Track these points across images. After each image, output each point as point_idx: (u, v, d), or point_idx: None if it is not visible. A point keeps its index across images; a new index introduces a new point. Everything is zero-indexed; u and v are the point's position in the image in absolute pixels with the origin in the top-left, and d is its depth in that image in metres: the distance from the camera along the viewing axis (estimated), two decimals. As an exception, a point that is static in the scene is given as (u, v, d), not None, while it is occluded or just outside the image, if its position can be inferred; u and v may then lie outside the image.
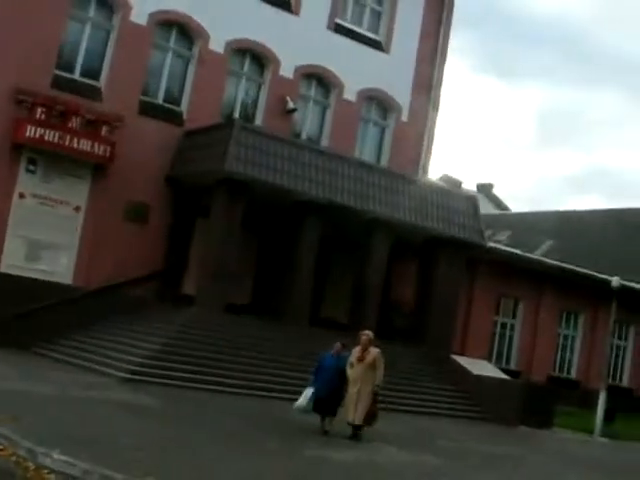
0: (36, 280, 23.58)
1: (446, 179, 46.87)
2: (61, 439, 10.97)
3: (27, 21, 23.66)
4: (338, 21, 29.93)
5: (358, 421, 16.07)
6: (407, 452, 15.98)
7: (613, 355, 35.56)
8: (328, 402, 15.90)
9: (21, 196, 23.75)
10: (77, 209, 24.61)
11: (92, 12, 25.53)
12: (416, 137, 31.44)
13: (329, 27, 29.62)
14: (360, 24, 30.76)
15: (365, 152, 30.65)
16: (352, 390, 16.09)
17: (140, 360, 20.12)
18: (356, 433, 16.10)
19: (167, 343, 21.22)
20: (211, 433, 14.28)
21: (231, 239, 23.84)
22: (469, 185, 56.87)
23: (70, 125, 23.88)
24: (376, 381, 16.29)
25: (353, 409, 16.06)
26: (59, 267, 24.41)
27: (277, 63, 28.32)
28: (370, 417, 16.23)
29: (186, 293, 25.19)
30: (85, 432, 12.11)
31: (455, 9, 32.52)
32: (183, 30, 26.94)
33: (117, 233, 24.80)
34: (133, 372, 19.48)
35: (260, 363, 21.95)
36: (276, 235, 26.76)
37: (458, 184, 32.66)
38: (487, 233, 31.41)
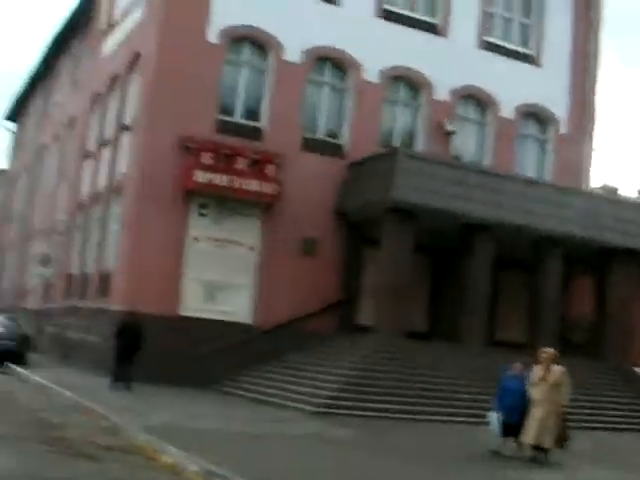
0: (215, 321, 24.17)
1: (604, 187, 45.77)
2: (273, 476, 11.14)
3: (187, 70, 24.47)
4: (487, 39, 29.75)
5: (548, 444, 15.33)
6: (606, 470, 15.46)
7: None
8: (517, 426, 15.51)
9: (195, 240, 24.47)
10: (250, 248, 25.16)
11: (247, 55, 26.21)
12: (576, 148, 30.80)
13: (479, 45, 29.46)
14: (509, 39, 30.48)
15: (526, 168, 30.18)
16: (537, 411, 15.38)
17: (326, 393, 20.27)
18: (540, 455, 15.48)
19: (351, 374, 21.30)
20: (418, 462, 14.12)
21: (403, 266, 23.83)
22: (627, 192, 55.24)
23: (236, 167, 24.55)
24: (562, 400, 15.68)
25: (539, 431, 15.37)
26: (237, 307, 24.95)
27: (431, 87, 28.30)
28: (561, 439, 15.66)
29: (362, 323, 25.31)
30: (295, 467, 12.23)
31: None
32: (336, 63, 27.27)
33: (290, 269, 25.17)
34: (320, 405, 19.63)
35: (441, 388, 21.81)
36: (447, 258, 26.66)
37: (614, 191, 31.81)
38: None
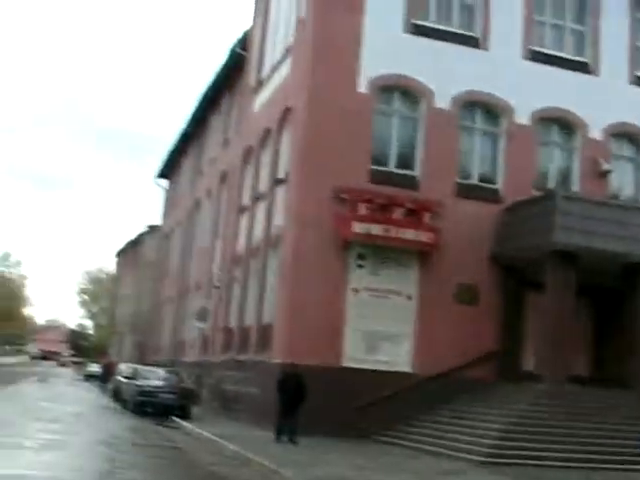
0: (375, 371, 24.08)
1: None
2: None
3: (338, 121, 24.72)
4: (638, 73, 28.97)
5: None
6: None
7: None
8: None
9: (354, 291, 24.54)
10: (408, 297, 25.05)
11: (397, 104, 26.26)
12: None
13: (631, 81, 28.70)
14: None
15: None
16: None
17: (493, 442, 19.79)
18: None
19: (517, 422, 20.78)
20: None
21: (566, 310, 23.24)
22: None
23: (392, 216, 24.58)
24: None
25: None
26: (397, 356, 24.79)
27: (585, 126, 27.74)
28: None
29: (525, 369, 24.80)
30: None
31: None
32: (487, 108, 27.07)
33: (449, 316, 24.91)
34: (488, 454, 19.17)
35: (612, 434, 21.06)
36: (608, 299, 25.93)
37: None
38: None
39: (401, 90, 26.23)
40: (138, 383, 30.74)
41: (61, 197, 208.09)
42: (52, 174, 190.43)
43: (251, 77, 33.31)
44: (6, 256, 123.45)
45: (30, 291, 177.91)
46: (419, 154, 25.90)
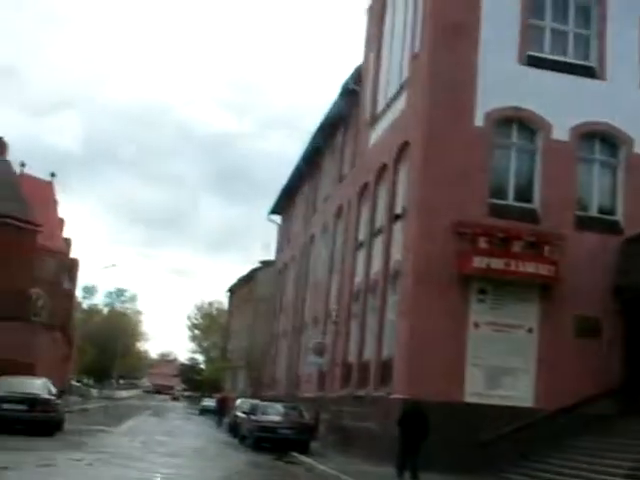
0: (496, 406, 23.79)
1: None
2: None
3: (455, 155, 24.74)
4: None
5: None
6: None
7: None
8: None
9: (475, 325, 24.39)
10: (529, 331, 24.76)
11: (514, 137, 26.11)
12: None
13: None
14: None
15: None
16: None
17: (623, 480, 19.37)
18: None
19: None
20: None
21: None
22: None
23: (512, 250, 24.38)
24: None
25: None
26: (518, 391, 24.45)
27: None
28: None
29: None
30: None
31: None
32: (605, 139, 26.68)
33: (571, 350, 24.47)
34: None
35: None
36: None
37: None
38: None
39: (518, 122, 26.07)
40: (257, 418, 31.01)
41: (175, 234, 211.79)
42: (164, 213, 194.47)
43: (365, 112, 33.55)
44: (121, 292, 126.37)
45: (145, 326, 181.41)
46: (537, 186, 25.68)
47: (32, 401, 26.44)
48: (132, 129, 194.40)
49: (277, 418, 30.57)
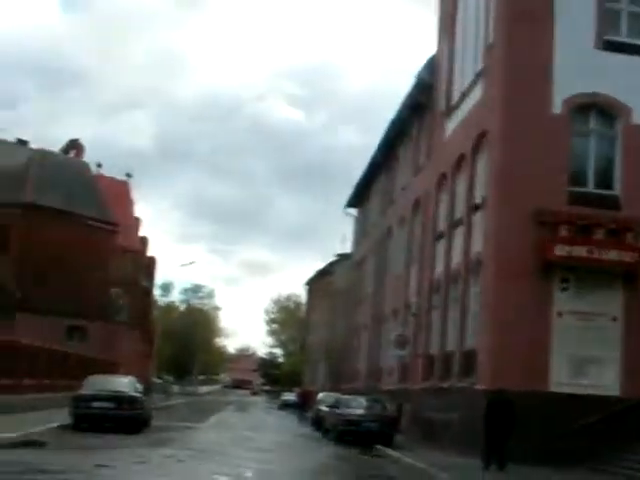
0: (581, 395, 23.52)
1: None
2: None
3: (534, 144, 24.57)
4: None
5: None
6: None
7: None
8: None
9: (559, 314, 24.19)
10: (613, 319, 24.47)
11: (593, 123, 25.77)
12: None
13: None
14: None
15: None
16: None
17: None
18: None
19: None
20: None
21: None
22: None
23: (594, 238, 24.14)
24: None
25: None
26: (603, 379, 24.19)
27: None
28: None
29: None
30: None
31: None
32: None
33: (657, 338, 24.17)
34: None
35: None
36: None
37: None
38: None
39: (596, 108, 25.72)
40: (341, 412, 31.13)
41: (250, 230, 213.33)
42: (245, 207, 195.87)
43: (440, 103, 33.45)
44: (198, 288, 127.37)
45: (223, 322, 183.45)
46: (618, 172, 25.30)
47: (120, 399, 26.94)
48: (204, 126, 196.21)
49: (361, 411, 30.62)
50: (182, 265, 63.17)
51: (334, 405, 33.20)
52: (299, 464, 21.97)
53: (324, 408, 35.90)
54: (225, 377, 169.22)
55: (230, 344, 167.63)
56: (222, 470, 17.63)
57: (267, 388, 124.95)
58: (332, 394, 39.57)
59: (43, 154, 62.39)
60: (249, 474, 17.50)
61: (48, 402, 33.57)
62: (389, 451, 26.23)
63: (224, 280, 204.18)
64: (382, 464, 23.27)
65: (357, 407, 31.20)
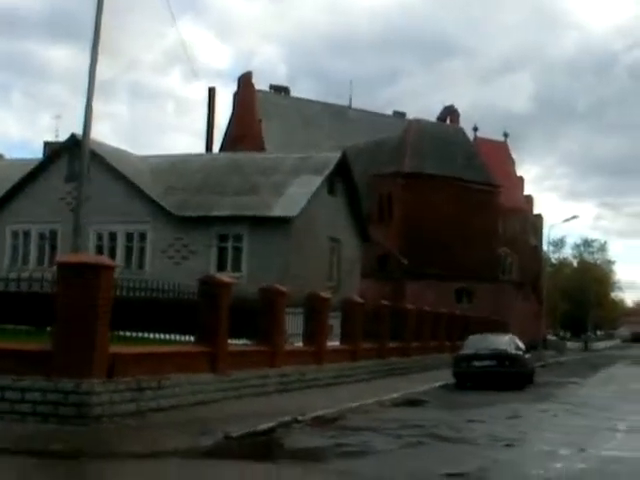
0: None
1: None
2: None
3: None
4: None
5: None
6: None
7: None
8: None
9: None
10: None
11: None
12: None
13: None
14: None
15: None
16: None
17: None
18: None
19: None
20: None
21: None
22: None
23: None
24: None
25: None
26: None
27: None
28: None
29: None
30: None
31: None
32: None
33: None
34: None
35: None
36: None
37: None
38: None
39: None
40: None
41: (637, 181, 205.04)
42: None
43: None
44: (589, 242, 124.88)
45: (619, 275, 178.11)
46: None
47: (500, 356, 27.38)
48: (582, 81, 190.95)
49: None
50: (564, 220, 62.22)
51: None
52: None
53: None
54: (624, 331, 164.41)
55: (629, 297, 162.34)
56: (592, 424, 17.47)
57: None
58: None
59: (418, 123, 64.17)
60: (622, 427, 17.15)
61: (436, 362, 34.93)
62: None
63: (617, 233, 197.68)
64: None
65: None
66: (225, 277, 19.91)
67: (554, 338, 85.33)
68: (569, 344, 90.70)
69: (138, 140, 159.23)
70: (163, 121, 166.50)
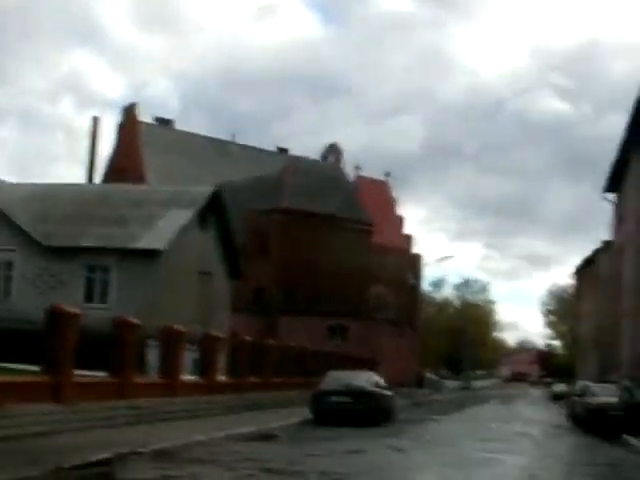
0: None
1: None
2: None
3: None
4: None
5: None
6: None
7: None
8: None
9: None
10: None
11: None
12: None
13: None
14: None
15: None
16: None
17: None
18: None
19: None
20: None
21: None
22: None
23: None
24: None
25: None
26: None
27: None
28: None
29: None
30: None
31: None
32: None
33: None
34: None
35: None
36: None
37: None
38: None
39: None
40: (588, 400, 30.33)
41: (521, 222, 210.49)
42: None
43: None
44: (470, 282, 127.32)
45: (501, 315, 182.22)
46: None
47: (356, 393, 27.62)
48: (470, 125, 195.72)
49: (607, 399, 29.56)
50: (438, 260, 63.43)
51: (582, 393, 32.40)
52: (526, 453, 21.34)
53: (576, 397, 35.09)
54: (505, 371, 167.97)
55: (510, 337, 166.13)
56: (431, 459, 17.86)
57: (548, 380, 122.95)
58: (583, 382, 38.59)
59: (297, 161, 64.80)
60: (451, 460, 17.59)
61: (300, 398, 35.05)
62: (633, 440, 25.08)
63: (502, 274, 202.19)
64: (619, 454, 22.32)
65: (604, 395, 30.20)
66: (72, 308, 19.68)
67: (433, 377, 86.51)
68: (449, 383, 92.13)
69: (27, 168, 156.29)
70: (52, 149, 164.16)
